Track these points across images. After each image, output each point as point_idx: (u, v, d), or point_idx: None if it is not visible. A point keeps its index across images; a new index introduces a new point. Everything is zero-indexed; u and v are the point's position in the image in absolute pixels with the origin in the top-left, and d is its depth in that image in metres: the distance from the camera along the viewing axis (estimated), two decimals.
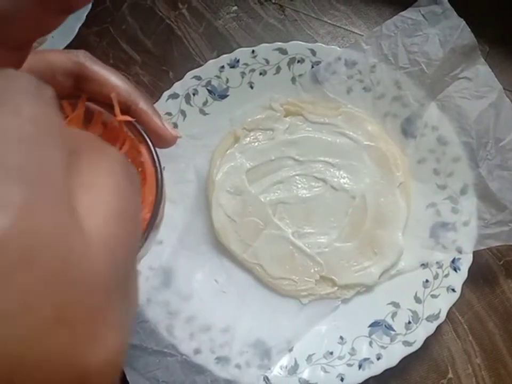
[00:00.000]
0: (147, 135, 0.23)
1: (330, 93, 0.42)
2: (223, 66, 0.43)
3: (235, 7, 0.48)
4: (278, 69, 0.43)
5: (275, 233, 0.40)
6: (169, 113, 0.42)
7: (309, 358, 0.37)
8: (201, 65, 0.43)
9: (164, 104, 0.42)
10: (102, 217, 0.12)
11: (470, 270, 0.37)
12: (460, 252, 0.38)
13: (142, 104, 0.24)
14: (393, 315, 0.37)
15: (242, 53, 0.43)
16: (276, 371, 0.37)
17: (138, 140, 0.24)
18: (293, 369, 0.37)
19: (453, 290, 0.37)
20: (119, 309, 0.11)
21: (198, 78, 0.43)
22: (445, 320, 0.37)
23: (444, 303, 0.37)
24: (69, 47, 0.46)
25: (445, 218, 0.39)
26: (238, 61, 0.43)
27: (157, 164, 0.23)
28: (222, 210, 0.40)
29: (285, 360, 0.37)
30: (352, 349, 0.37)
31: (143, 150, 0.23)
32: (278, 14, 0.48)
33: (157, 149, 0.24)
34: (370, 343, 0.37)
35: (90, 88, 0.23)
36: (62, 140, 0.12)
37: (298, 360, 0.37)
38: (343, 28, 0.47)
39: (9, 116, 0.11)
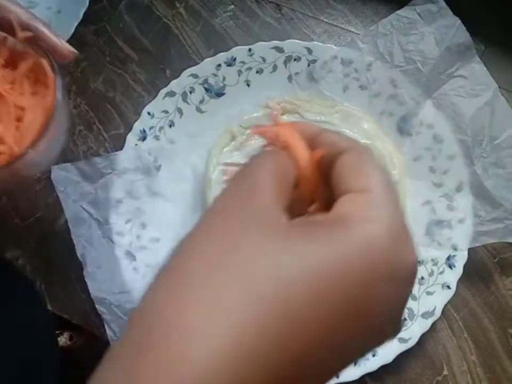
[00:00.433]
0: (47, 51, 0.29)
1: (327, 91, 0.43)
2: (219, 65, 0.43)
3: (232, 6, 0.49)
4: (275, 67, 0.43)
5: None
6: (166, 111, 0.43)
7: None
8: (198, 64, 0.43)
9: (161, 102, 0.42)
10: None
11: (465, 267, 0.38)
12: (455, 249, 0.38)
13: (41, 26, 0.28)
14: None
15: (239, 51, 0.43)
16: None
17: (40, 55, 0.29)
18: None
19: (448, 287, 0.37)
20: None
21: (195, 76, 0.43)
22: (440, 317, 0.37)
23: (439, 300, 0.37)
24: None
25: (440, 215, 0.39)
26: (234, 59, 0.43)
27: (56, 72, 0.29)
28: None
29: None
30: None
31: (45, 63, 0.29)
32: (274, 13, 0.48)
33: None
34: None
35: None
36: None
37: None
38: (339, 27, 0.47)
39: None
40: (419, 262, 0.38)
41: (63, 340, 0.53)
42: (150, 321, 0.15)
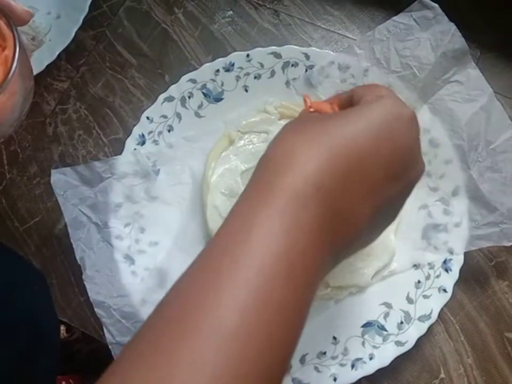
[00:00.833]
0: (4, 12, 0.29)
1: (324, 96, 0.43)
2: (218, 70, 0.43)
3: (230, 12, 0.49)
4: (273, 73, 0.44)
5: None
6: (164, 116, 0.43)
7: (302, 358, 0.37)
8: (196, 69, 0.44)
9: (160, 107, 0.43)
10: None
11: (462, 270, 0.38)
12: (451, 252, 0.38)
13: None
14: (386, 315, 0.38)
15: (237, 57, 0.44)
16: None
17: None
18: None
19: (445, 290, 0.37)
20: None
21: (194, 81, 0.43)
22: (437, 320, 0.37)
23: (435, 303, 0.37)
24: (65, 50, 0.46)
25: (436, 219, 0.40)
26: (233, 65, 0.43)
27: (14, 30, 0.29)
28: (217, 212, 0.41)
29: None
30: (345, 349, 0.37)
31: (1, 24, 0.29)
32: (272, 19, 0.49)
33: None
34: (363, 343, 0.37)
35: None
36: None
37: (291, 360, 0.37)
38: (336, 33, 0.48)
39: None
40: (415, 266, 0.39)
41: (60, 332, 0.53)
42: (276, 161, 0.24)
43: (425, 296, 0.38)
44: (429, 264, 0.38)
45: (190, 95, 0.43)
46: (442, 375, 0.38)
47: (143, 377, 0.18)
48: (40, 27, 0.47)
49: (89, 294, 0.38)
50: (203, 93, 0.43)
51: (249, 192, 0.24)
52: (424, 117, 0.41)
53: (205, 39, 0.48)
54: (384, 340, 0.37)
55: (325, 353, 0.37)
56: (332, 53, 0.43)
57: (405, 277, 0.39)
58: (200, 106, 0.43)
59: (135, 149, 0.42)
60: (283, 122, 0.43)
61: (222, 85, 0.44)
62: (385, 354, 0.36)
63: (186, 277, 0.22)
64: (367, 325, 0.38)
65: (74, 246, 0.39)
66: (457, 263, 0.38)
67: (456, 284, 0.38)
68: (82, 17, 0.46)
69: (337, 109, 0.30)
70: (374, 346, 0.37)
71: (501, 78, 0.45)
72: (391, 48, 0.42)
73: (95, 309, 0.38)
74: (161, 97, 0.43)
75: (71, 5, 0.48)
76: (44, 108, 0.47)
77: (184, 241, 0.41)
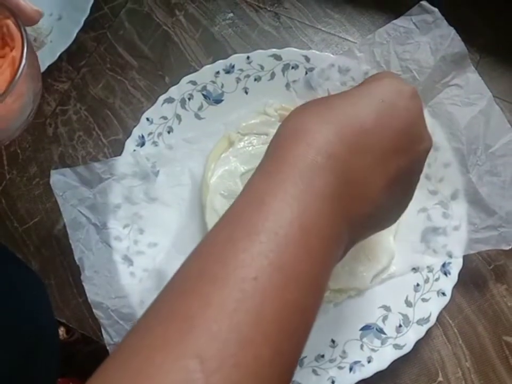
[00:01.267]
0: (13, 12, 0.29)
1: None
2: (218, 72, 0.44)
3: (231, 14, 0.49)
4: (273, 75, 0.44)
5: None
6: (164, 117, 0.43)
7: (301, 361, 0.37)
8: (197, 71, 0.44)
9: (160, 108, 0.43)
10: None
11: (460, 274, 0.38)
12: (450, 256, 0.38)
13: None
14: (384, 318, 0.38)
15: (237, 59, 0.44)
16: None
17: (5, 17, 0.29)
18: None
19: (443, 294, 0.37)
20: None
21: (194, 83, 0.43)
22: (435, 323, 0.37)
23: (434, 306, 0.37)
24: (67, 51, 0.46)
25: (435, 223, 0.40)
26: (233, 67, 0.44)
27: (22, 30, 0.29)
28: (216, 214, 0.41)
29: None
30: (344, 352, 0.37)
31: (10, 24, 0.29)
32: (273, 21, 0.49)
33: None
34: (361, 346, 0.37)
35: None
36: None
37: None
38: (337, 35, 0.48)
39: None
40: (414, 269, 0.39)
41: (59, 333, 0.53)
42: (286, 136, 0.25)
43: (424, 300, 0.38)
44: (428, 267, 0.38)
45: (190, 97, 0.43)
46: (440, 379, 0.38)
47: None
48: (41, 28, 0.47)
49: (88, 295, 0.38)
50: (203, 94, 0.44)
51: (262, 166, 0.25)
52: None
53: (206, 41, 0.48)
54: (382, 343, 0.37)
55: (323, 356, 0.37)
56: (332, 55, 0.43)
57: (403, 280, 0.39)
58: (200, 108, 0.44)
59: (134, 150, 0.42)
60: None
61: (222, 86, 0.44)
62: (384, 357, 0.36)
63: (202, 245, 0.22)
64: (366, 328, 0.37)
65: (73, 247, 0.39)
66: (456, 266, 0.38)
67: (455, 287, 0.38)
68: (84, 18, 0.47)
69: None
70: (373, 350, 0.37)
71: (500, 82, 0.45)
72: (391, 51, 0.42)
73: (94, 310, 0.38)
74: (161, 98, 0.43)
75: (72, 7, 0.48)
76: (44, 108, 0.47)
77: (183, 242, 0.41)
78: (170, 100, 0.43)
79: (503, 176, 0.39)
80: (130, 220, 0.41)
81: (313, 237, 0.22)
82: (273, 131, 0.42)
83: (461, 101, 0.41)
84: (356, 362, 0.36)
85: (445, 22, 0.41)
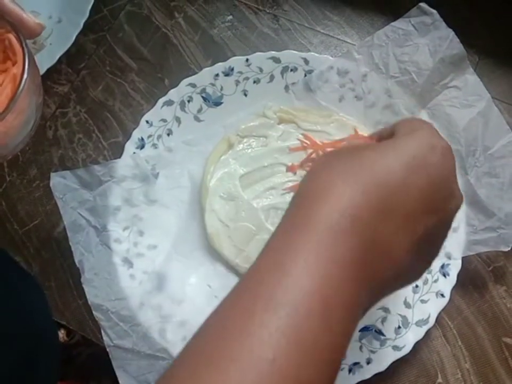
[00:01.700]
0: (14, 26, 0.29)
1: (323, 101, 0.43)
2: (217, 74, 0.44)
3: (230, 17, 0.49)
4: (272, 77, 0.44)
5: (267, 239, 0.40)
6: (164, 120, 0.43)
7: None
8: (196, 73, 0.44)
9: (159, 110, 0.43)
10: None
11: (459, 275, 0.38)
12: (449, 257, 0.38)
13: (6, 1, 0.29)
14: (383, 320, 0.38)
15: (236, 61, 0.44)
16: None
17: (6, 31, 0.29)
18: None
19: (442, 295, 0.38)
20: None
21: (193, 85, 0.44)
22: (434, 325, 0.37)
23: (433, 308, 0.37)
24: (66, 54, 0.47)
25: None
26: (232, 69, 0.44)
27: (24, 45, 0.28)
28: (215, 216, 0.41)
29: None
30: None
31: (12, 38, 0.29)
32: (272, 24, 0.49)
33: None
34: (361, 348, 0.37)
35: None
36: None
37: None
38: (335, 38, 0.48)
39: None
40: None
41: (60, 335, 0.53)
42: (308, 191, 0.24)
43: (422, 301, 0.38)
44: None
45: (190, 99, 0.44)
46: (439, 380, 0.38)
47: None
48: None
49: (88, 297, 0.38)
50: (202, 97, 0.44)
51: (283, 226, 0.24)
52: None
53: (205, 44, 0.48)
54: (381, 345, 0.37)
55: None
56: (330, 58, 0.44)
57: None
58: (199, 111, 0.44)
59: (134, 153, 0.42)
60: (282, 127, 0.43)
61: (222, 89, 0.44)
62: (383, 358, 0.36)
63: (217, 316, 0.22)
64: (365, 329, 0.38)
65: (73, 249, 0.39)
66: (455, 267, 0.38)
67: (454, 288, 0.38)
68: (83, 21, 0.47)
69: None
70: (372, 351, 0.37)
71: (498, 83, 0.45)
72: (390, 53, 0.42)
73: (93, 312, 0.38)
74: (161, 101, 0.43)
75: (72, 9, 0.48)
76: (44, 111, 0.47)
77: (182, 244, 0.41)
78: (169, 103, 0.43)
79: (501, 177, 0.40)
80: (130, 222, 0.41)
81: (334, 309, 0.21)
82: (272, 133, 0.43)
83: (460, 103, 0.41)
84: (355, 364, 0.36)
85: (444, 24, 0.41)
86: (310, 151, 0.42)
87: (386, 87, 0.42)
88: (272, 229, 0.40)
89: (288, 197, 0.41)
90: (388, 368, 0.36)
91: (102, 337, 0.37)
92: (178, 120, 0.43)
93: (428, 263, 0.27)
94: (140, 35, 0.49)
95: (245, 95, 0.44)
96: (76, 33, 0.46)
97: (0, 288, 0.32)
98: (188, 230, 0.41)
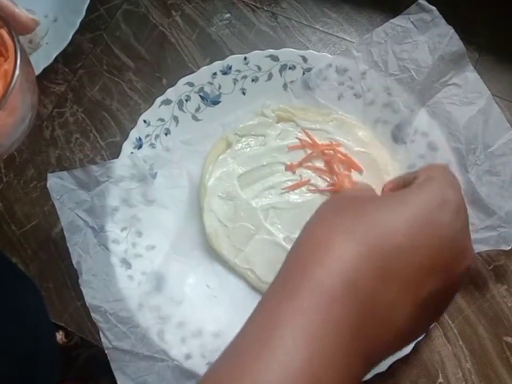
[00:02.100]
0: (6, 21, 0.28)
1: (322, 99, 0.43)
2: (215, 73, 0.43)
3: (228, 14, 0.49)
4: (270, 76, 0.43)
5: (266, 238, 0.40)
6: (162, 119, 0.43)
7: None
8: (194, 72, 0.44)
9: (157, 110, 0.43)
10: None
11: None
12: None
13: None
14: None
15: (234, 60, 0.43)
16: None
17: None
18: None
19: None
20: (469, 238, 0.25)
21: (191, 84, 0.43)
22: (435, 324, 0.37)
23: None
24: (63, 53, 0.46)
25: None
26: (230, 68, 0.43)
27: (16, 41, 0.27)
28: (214, 215, 0.41)
29: None
30: None
31: (4, 33, 0.28)
32: (270, 21, 0.48)
33: None
34: None
35: None
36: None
37: None
38: (334, 35, 0.48)
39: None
40: None
41: (58, 337, 0.53)
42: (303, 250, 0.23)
43: None
44: None
45: (188, 98, 0.43)
46: (440, 380, 0.38)
47: None
48: (37, 30, 0.47)
49: (86, 299, 0.38)
50: (200, 96, 0.43)
51: (277, 284, 0.22)
52: (422, 120, 0.41)
53: (203, 42, 0.48)
54: None
55: None
56: (329, 55, 0.43)
57: None
58: (197, 110, 0.43)
59: (132, 153, 0.42)
60: (280, 125, 0.43)
61: (220, 88, 0.43)
62: None
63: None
64: None
65: (70, 251, 0.39)
66: None
67: None
68: (80, 20, 0.46)
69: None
70: None
71: (499, 80, 0.45)
72: (389, 51, 0.42)
73: (92, 314, 0.38)
74: (159, 100, 0.43)
75: (68, 8, 0.48)
76: (41, 111, 0.46)
77: (181, 245, 0.41)
78: (167, 102, 0.43)
79: (502, 175, 0.39)
80: (128, 222, 0.40)
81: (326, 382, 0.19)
82: (270, 132, 0.42)
83: (460, 100, 0.41)
84: None
85: (443, 21, 0.41)
86: (309, 150, 0.42)
87: (386, 85, 0.42)
88: (271, 228, 0.40)
89: (287, 196, 0.41)
90: (388, 368, 0.36)
91: (100, 339, 0.37)
92: (176, 119, 0.43)
93: (432, 321, 0.26)
94: (137, 34, 0.49)
95: (243, 93, 0.44)
96: (72, 33, 0.46)
97: None
98: (187, 230, 0.41)
